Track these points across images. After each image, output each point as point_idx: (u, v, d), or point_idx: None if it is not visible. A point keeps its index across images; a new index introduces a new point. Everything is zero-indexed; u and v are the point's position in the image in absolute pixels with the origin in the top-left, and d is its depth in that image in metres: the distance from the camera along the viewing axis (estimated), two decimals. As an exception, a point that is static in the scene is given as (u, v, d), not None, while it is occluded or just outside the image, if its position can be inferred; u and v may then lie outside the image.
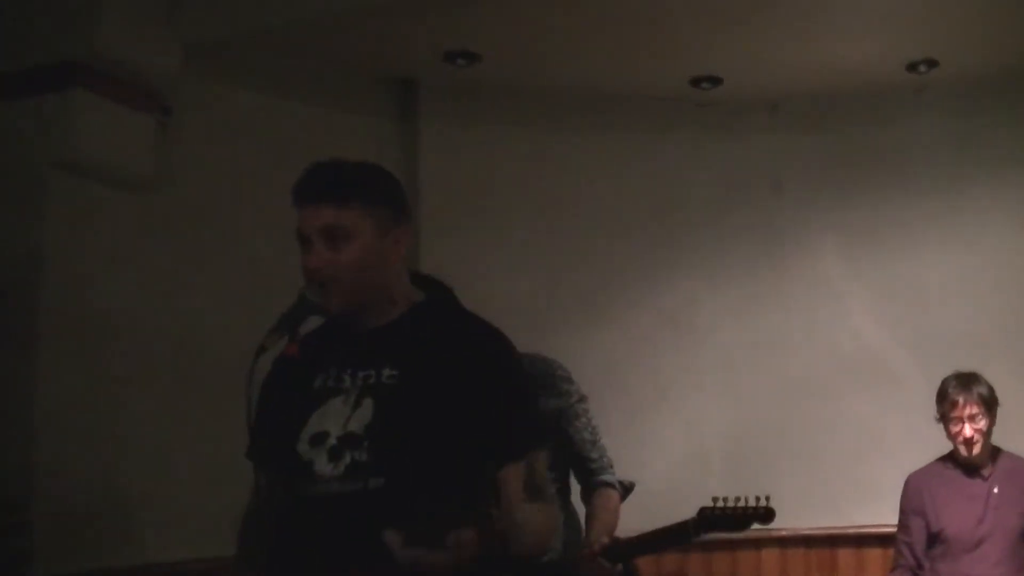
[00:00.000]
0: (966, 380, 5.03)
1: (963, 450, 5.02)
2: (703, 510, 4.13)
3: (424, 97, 6.30)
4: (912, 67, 6.09)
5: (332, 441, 2.66)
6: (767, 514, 4.18)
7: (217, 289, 5.33)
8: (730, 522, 4.18)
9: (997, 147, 6.33)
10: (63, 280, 4.82)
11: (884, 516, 5.53)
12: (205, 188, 5.39)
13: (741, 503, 4.16)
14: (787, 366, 6.48)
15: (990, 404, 5.01)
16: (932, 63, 6.05)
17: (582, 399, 4.10)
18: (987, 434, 5.02)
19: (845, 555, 6.28)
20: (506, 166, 6.40)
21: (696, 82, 6.27)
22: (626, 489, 4.11)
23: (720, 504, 4.15)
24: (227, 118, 5.56)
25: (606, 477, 4.03)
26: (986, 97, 6.31)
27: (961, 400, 4.98)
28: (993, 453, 5.09)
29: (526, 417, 2.79)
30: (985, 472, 5.05)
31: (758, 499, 4.14)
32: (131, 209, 5.08)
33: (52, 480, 4.63)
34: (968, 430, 4.97)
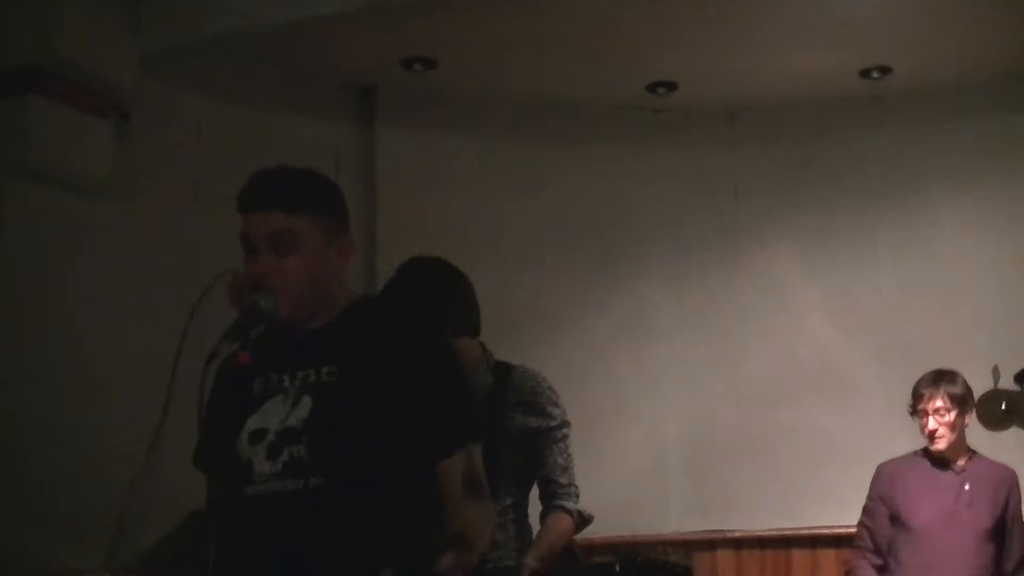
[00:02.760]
0: (937, 376, 5.08)
1: (928, 443, 5.07)
2: (627, 557, 4.15)
3: (382, 103, 6.30)
4: (865, 74, 6.14)
5: (271, 438, 2.66)
6: (684, 573, 4.20)
7: (174, 295, 5.31)
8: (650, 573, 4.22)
9: (951, 154, 6.39)
10: (18, 285, 4.80)
11: (838, 518, 5.59)
12: (163, 194, 5.38)
13: (662, 552, 4.19)
14: (744, 372, 6.52)
15: (960, 400, 5.04)
16: (885, 70, 6.11)
17: (564, 424, 4.05)
18: (955, 429, 5.04)
19: (800, 556, 6.32)
20: (463, 172, 6.41)
21: (652, 88, 6.30)
22: (584, 520, 4.09)
23: (643, 556, 4.18)
24: (186, 124, 5.55)
25: (566, 503, 4.01)
26: (940, 104, 6.37)
27: (927, 394, 5.03)
28: (969, 453, 5.13)
29: (463, 410, 2.81)
30: (957, 468, 5.09)
31: (685, 554, 4.18)
32: (88, 214, 5.06)
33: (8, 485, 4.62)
34: (931, 423, 5.01)
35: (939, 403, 5.01)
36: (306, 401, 2.68)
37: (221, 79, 5.69)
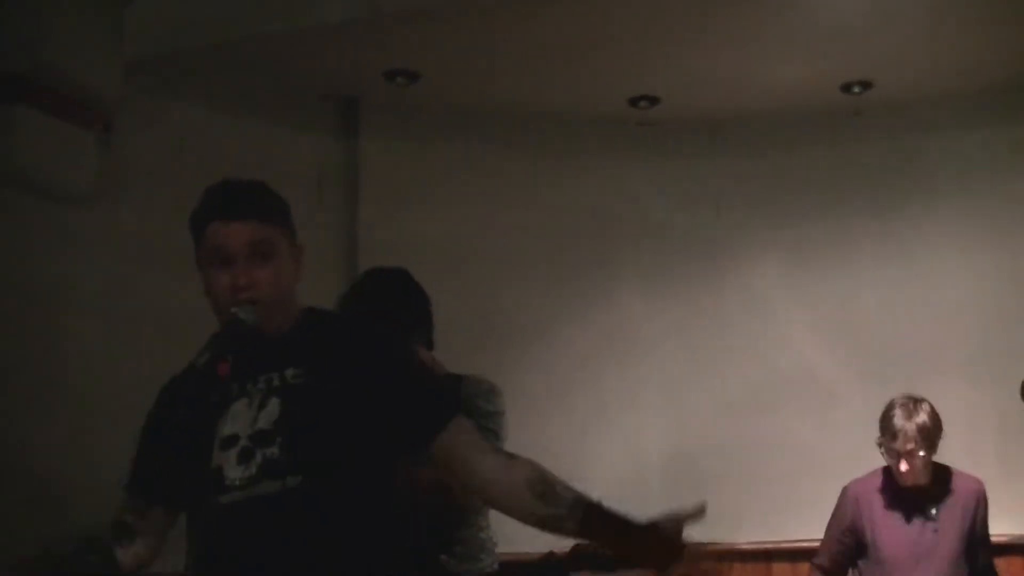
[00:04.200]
0: (909, 411, 4.94)
1: (899, 480, 4.97)
2: (577, 547, 4.15)
3: (365, 115, 6.32)
4: (847, 88, 6.17)
5: (243, 442, 2.64)
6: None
7: (155, 306, 5.32)
8: (600, 562, 4.21)
9: (931, 167, 6.43)
10: (1, 293, 4.79)
11: (819, 531, 5.58)
12: (146, 203, 5.38)
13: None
14: (726, 384, 6.53)
15: (931, 436, 4.91)
16: (867, 84, 6.14)
17: (489, 415, 4.02)
18: (927, 464, 4.94)
19: (780, 570, 6.33)
20: (446, 184, 6.43)
21: (634, 101, 6.33)
22: None
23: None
24: (169, 134, 5.55)
25: None
26: (922, 117, 6.41)
27: (900, 435, 4.89)
28: (938, 473, 5.02)
29: (440, 386, 2.87)
30: (927, 493, 4.99)
31: None
32: (71, 223, 5.07)
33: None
34: (903, 465, 4.91)
35: (911, 444, 4.90)
36: (274, 403, 2.66)
37: (205, 90, 5.71)
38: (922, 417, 4.94)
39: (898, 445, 4.91)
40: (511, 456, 2.76)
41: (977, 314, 6.29)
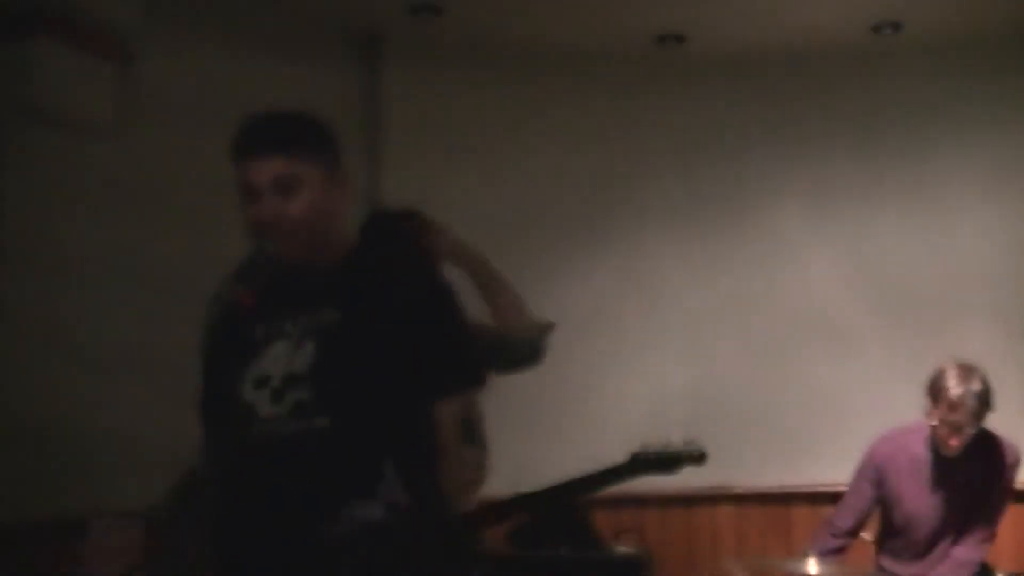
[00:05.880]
0: (965, 380, 4.64)
1: (944, 450, 4.78)
2: (635, 455, 4.19)
3: (388, 50, 6.31)
4: (877, 29, 6.13)
5: (275, 383, 2.66)
6: (700, 457, 4.23)
7: (174, 240, 5.32)
8: (661, 464, 4.25)
9: (961, 111, 6.39)
10: (22, 226, 4.81)
11: (839, 475, 5.57)
12: (165, 137, 5.36)
13: (671, 448, 4.23)
14: (747, 326, 6.53)
15: (982, 412, 4.67)
16: (897, 25, 6.08)
17: None
18: (972, 434, 4.71)
19: (800, 512, 6.33)
20: (469, 121, 6.41)
21: (660, 40, 6.28)
22: None
23: (651, 449, 4.21)
24: (190, 68, 5.53)
25: None
26: (951, 61, 6.36)
27: (959, 407, 4.63)
28: (979, 441, 4.78)
29: (458, 355, 2.78)
30: (962, 464, 4.81)
31: (687, 444, 4.22)
32: (90, 156, 5.07)
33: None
34: (954, 441, 4.70)
35: (965, 420, 4.64)
36: (309, 346, 2.67)
37: (227, 24, 5.68)
38: (978, 390, 4.65)
39: (956, 418, 4.66)
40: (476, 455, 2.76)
41: (1002, 259, 6.26)
